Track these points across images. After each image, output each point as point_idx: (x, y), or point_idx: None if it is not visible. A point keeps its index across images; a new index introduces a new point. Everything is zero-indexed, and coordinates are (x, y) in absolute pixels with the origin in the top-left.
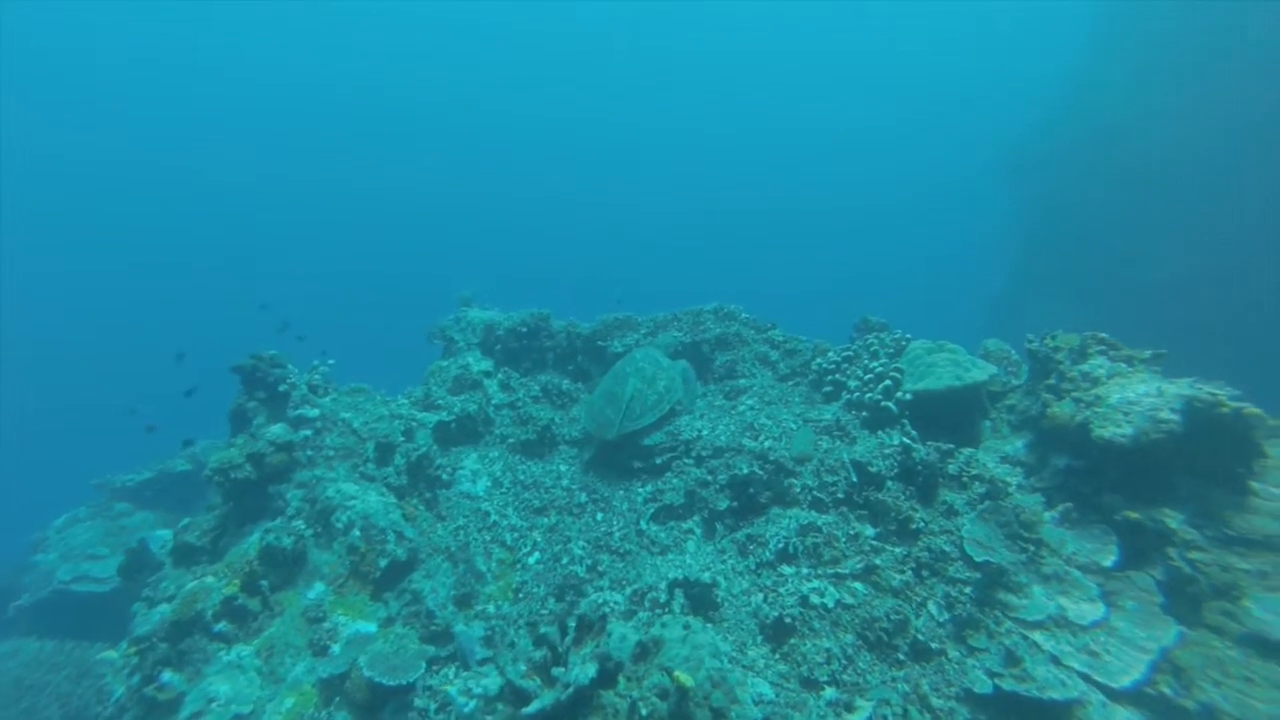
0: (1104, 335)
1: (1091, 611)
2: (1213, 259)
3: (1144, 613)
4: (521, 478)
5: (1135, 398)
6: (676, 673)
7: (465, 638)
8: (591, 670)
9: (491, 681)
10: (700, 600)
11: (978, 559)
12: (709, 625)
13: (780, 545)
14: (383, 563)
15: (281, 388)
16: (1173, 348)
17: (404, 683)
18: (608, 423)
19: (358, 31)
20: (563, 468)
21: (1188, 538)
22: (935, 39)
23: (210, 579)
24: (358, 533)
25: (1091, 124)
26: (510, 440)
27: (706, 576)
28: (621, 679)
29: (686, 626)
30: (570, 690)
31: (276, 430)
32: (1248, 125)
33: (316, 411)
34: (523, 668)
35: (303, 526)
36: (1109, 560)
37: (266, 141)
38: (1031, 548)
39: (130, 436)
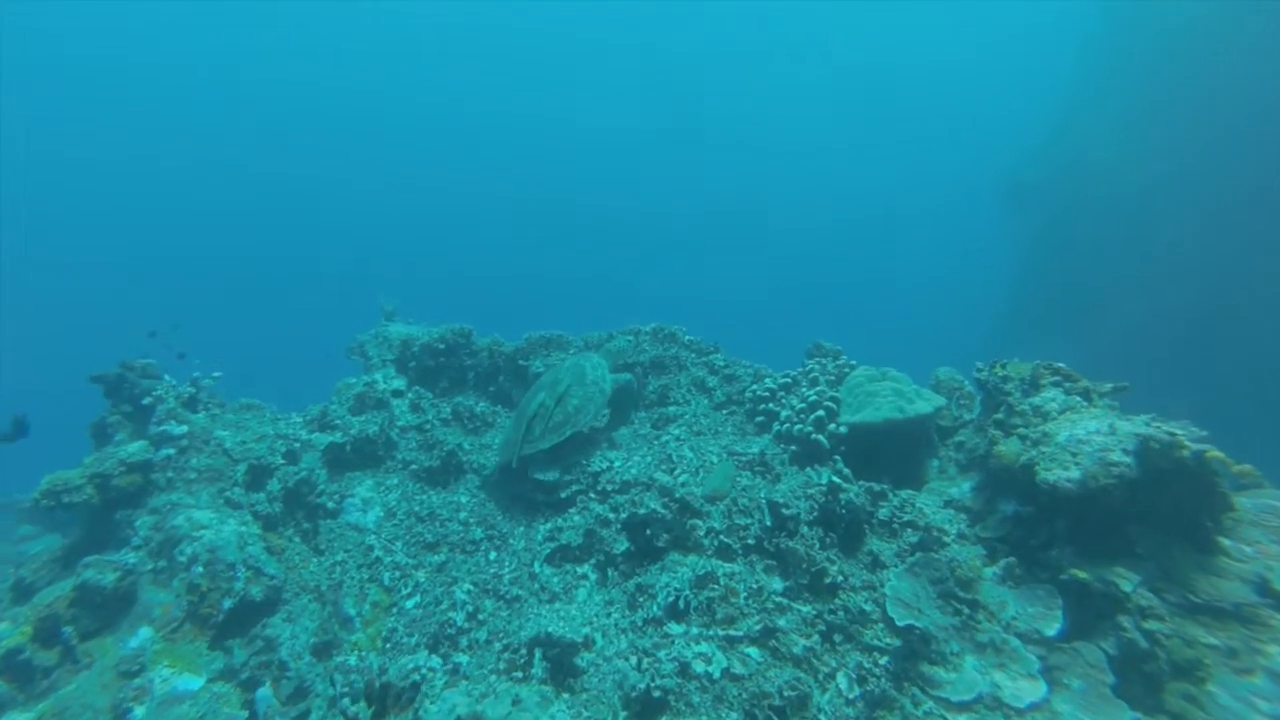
0: (1059, 365)
1: (1030, 691)
2: (1201, 291)
3: (1092, 694)
4: (417, 509)
5: (1085, 436)
6: None
7: (263, 703)
8: None
9: None
10: (560, 664)
11: (900, 622)
12: (562, 696)
13: (670, 599)
14: (228, 604)
15: (146, 401)
16: (1159, 382)
17: None
18: (510, 444)
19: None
20: (463, 498)
21: (1144, 603)
22: (930, 66)
23: (4, 625)
24: (200, 569)
25: (1082, 155)
26: (413, 466)
27: (582, 633)
28: None
29: (515, 701)
30: None
31: (132, 449)
32: (1236, 157)
33: (184, 428)
34: None
35: (134, 560)
36: (1053, 629)
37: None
38: (966, 610)
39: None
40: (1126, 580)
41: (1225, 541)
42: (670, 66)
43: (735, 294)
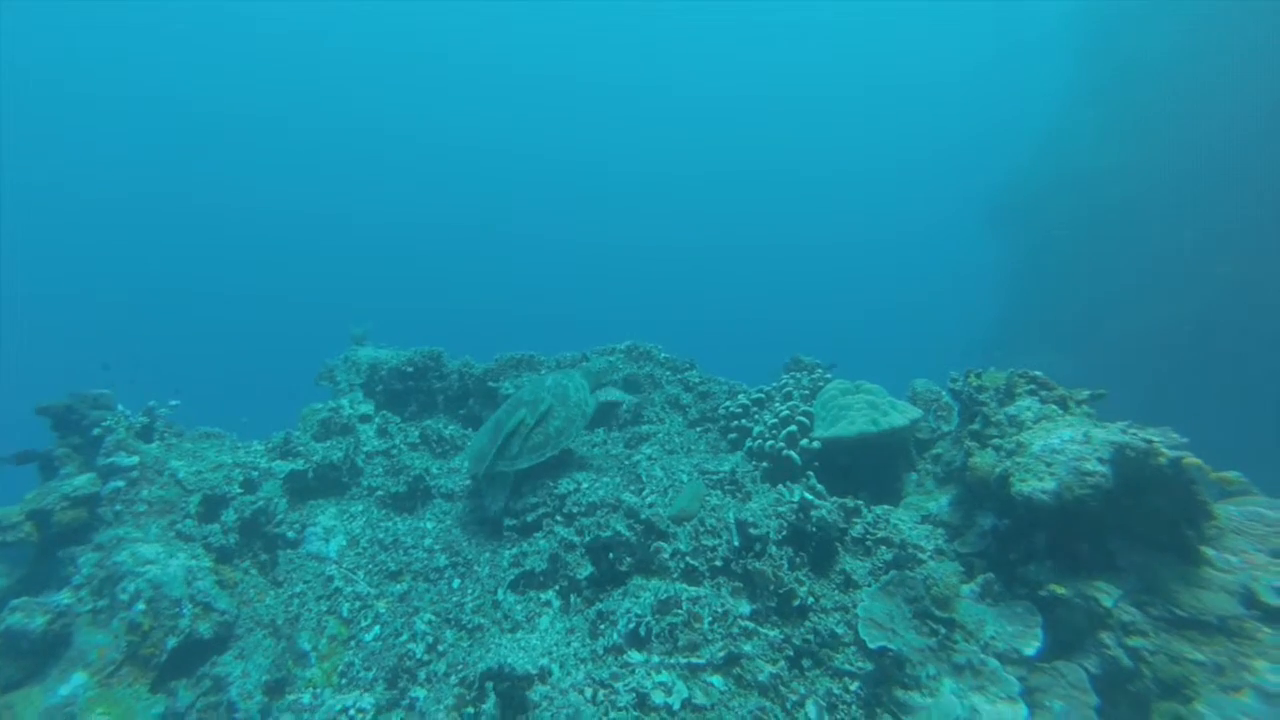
0: (1035, 373)
1: (1010, 715)
2: (1196, 300)
3: (1075, 717)
4: (381, 536)
5: (1059, 445)
6: None
7: None
8: None
9: None
10: (511, 698)
11: (872, 645)
12: None
13: (631, 625)
14: (171, 642)
15: (95, 431)
16: (1157, 393)
17: None
18: (481, 455)
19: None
20: (429, 524)
21: (1126, 619)
22: (912, 87)
23: None
24: (142, 606)
25: (1067, 171)
26: (379, 493)
27: (539, 664)
28: None
29: None
30: None
31: (79, 482)
32: (1222, 171)
33: (134, 459)
34: None
35: (68, 601)
36: (1032, 648)
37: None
38: (943, 630)
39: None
40: (1107, 595)
41: (1209, 551)
42: (643, 89)
43: (721, 312)
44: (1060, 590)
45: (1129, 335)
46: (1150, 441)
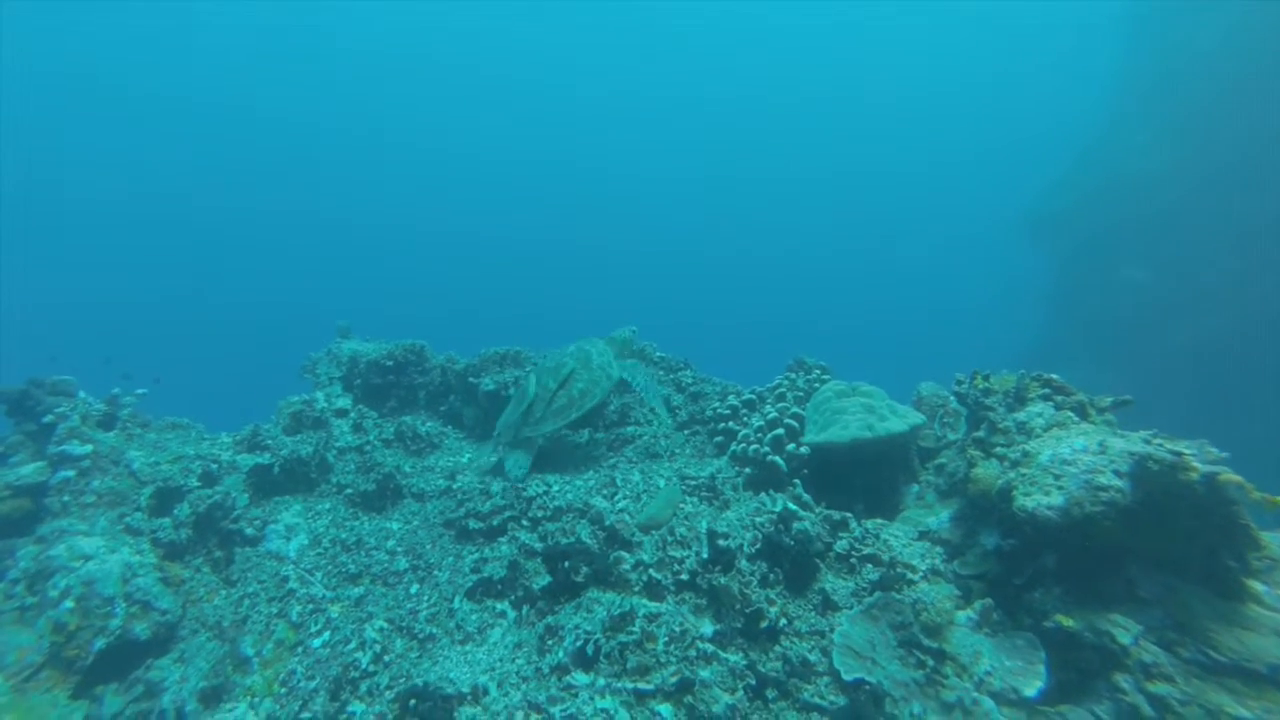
0: (1051, 376)
1: None
2: (1240, 316)
3: None
4: (345, 536)
5: (1070, 455)
6: None
7: None
8: None
9: None
10: None
11: (848, 676)
12: None
13: (578, 643)
14: (99, 644)
15: (47, 419)
16: (1202, 411)
17: None
18: (507, 423)
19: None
20: (395, 525)
21: (1147, 659)
22: (955, 95)
23: None
24: (70, 604)
25: (1113, 177)
26: (348, 490)
27: (477, 681)
28: None
29: None
30: None
31: (24, 471)
32: (1271, 179)
33: (88, 448)
34: None
35: None
36: (1033, 687)
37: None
38: (931, 662)
39: None
40: (1124, 631)
41: (1257, 586)
42: (669, 96)
43: (754, 322)
44: (1068, 622)
45: (1177, 347)
46: (1179, 454)
